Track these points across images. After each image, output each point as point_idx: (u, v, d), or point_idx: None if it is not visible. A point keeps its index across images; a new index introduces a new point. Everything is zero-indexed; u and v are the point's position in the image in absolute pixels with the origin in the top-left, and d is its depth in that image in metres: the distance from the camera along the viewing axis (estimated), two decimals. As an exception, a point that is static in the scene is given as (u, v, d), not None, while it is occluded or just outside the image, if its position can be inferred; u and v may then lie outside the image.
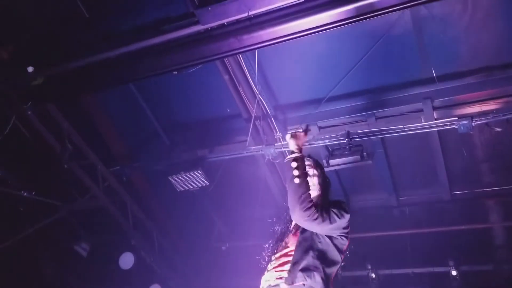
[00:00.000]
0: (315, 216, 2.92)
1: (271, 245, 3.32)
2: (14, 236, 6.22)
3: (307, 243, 3.03)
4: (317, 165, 3.41)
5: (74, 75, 4.94)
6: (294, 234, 3.16)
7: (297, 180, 2.97)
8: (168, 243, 7.61)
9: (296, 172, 2.97)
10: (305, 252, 2.99)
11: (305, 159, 3.22)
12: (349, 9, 3.57)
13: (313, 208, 2.94)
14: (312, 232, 3.05)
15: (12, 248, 6.13)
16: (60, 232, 6.97)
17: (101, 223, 7.14)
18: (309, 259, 2.96)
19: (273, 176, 6.69)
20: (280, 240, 3.29)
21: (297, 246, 3.04)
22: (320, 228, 2.99)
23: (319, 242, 3.03)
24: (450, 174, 6.15)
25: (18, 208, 6.40)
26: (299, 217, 2.96)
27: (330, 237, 3.06)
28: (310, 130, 3.24)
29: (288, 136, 3.15)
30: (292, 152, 3.08)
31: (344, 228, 3.09)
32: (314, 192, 3.22)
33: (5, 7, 5.37)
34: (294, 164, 2.99)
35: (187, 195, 6.87)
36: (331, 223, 2.98)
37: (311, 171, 3.26)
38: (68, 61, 4.89)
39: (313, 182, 3.25)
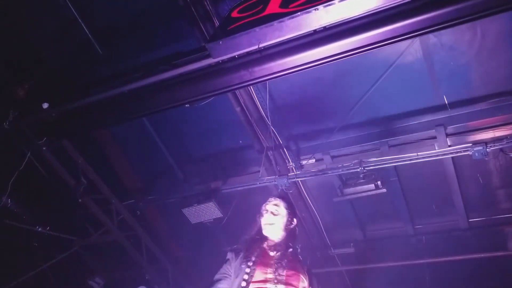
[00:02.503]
0: None
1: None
2: (29, 271, 6.21)
3: None
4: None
5: (88, 110, 5.01)
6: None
7: None
8: (182, 277, 7.52)
9: None
10: None
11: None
12: (358, 40, 3.59)
13: None
14: None
15: (26, 283, 6.12)
16: (74, 267, 6.96)
17: (115, 258, 7.11)
18: None
19: (287, 207, 6.62)
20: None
21: None
22: None
23: None
24: (466, 201, 6.05)
25: (33, 244, 6.41)
26: None
27: None
28: None
29: None
30: None
31: None
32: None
33: (20, 45, 5.52)
34: None
35: (201, 228, 6.83)
36: None
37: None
38: (82, 97, 4.97)
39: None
